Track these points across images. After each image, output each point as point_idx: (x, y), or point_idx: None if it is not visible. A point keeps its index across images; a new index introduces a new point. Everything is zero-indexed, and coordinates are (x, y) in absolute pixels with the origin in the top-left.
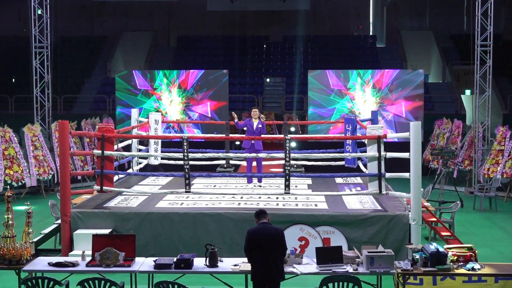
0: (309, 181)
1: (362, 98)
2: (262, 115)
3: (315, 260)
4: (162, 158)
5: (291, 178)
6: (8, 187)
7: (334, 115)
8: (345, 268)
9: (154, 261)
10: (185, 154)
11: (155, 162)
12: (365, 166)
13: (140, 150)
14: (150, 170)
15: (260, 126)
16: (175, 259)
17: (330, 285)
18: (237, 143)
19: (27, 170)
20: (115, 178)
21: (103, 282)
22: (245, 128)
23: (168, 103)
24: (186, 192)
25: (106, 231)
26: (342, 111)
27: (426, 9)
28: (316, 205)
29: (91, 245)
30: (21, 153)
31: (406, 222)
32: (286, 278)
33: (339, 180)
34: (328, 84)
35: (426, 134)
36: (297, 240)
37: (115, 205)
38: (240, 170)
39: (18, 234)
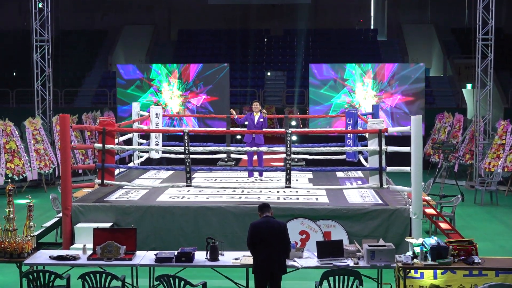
0: (310, 175)
1: (361, 89)
2: (264, 111)
3: (315, 253)
4: (163, 152)
5: (292, 172)
6: (9, 180)
7: (332, 112)
8: (345, 262)
9: (155, 254)
10: (186, 148)
11: (156, 156)
12: (366, 160)
13: (141, 144)
14: (155, 164)
15: (261, 120)
16: (176, 252)
17: (331, 278)
18: (238, 137)
19: (28, 164)
20: (116, 171)
21: (104, 275)
22: (246, 123)
23: (168, 96)
24: (187, 185)
25: (107, 225)
26: (341, 106)
27: (427, 3)
28: (317, 199)
29: (92, 238)
30: (22, 146)
31: (407, 216)
32: (287, 271)
33: (340, 174)
34: (323, 77)
35: (427, 128)
36: (298, 233)
37: (116, 199)
38: (241, 164)
39: (19, 227)
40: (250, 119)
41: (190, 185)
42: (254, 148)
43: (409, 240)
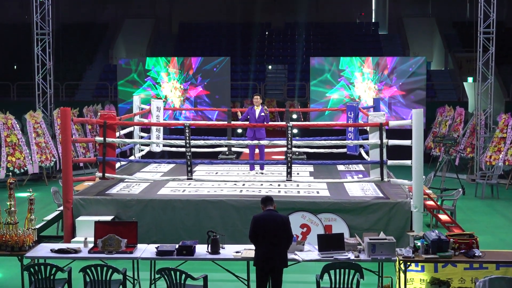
0: (311, 168)
1: (361, 79)
2: (265, 107)
3: (316, 247)
4: (164, 145)
5: (293, 165)
6: (10, 174)
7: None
8: (346, 255)
9: (156, 247)
10: (187, 141)
11: (157, 149)
12: (367, 153)
13: (142, 137)
14: (156, 157)
15: (262, 114)
16: (177, 246)
17: (332, 272)
18: (239, 131)
19: (29, 157)
20: (117, 165)
21: (105, 268)
22: (248, 117)
23: (168, 89)
24: (188, 179)
25: (108, 218)
26: (339, 102)
27: None
28: (318, 192)
29: (93, 231)
30: (23, 140)
31: (408, 209)
32: (288, 265)
33: (341, 167)
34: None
35: (428, 122)
36: (298, 227)
37: (117, 192)
38: (242, 157)
39: (21, 220)
40: (251, 113)
41: (191, 179)
42: (255, 142)
43: (410, 233)
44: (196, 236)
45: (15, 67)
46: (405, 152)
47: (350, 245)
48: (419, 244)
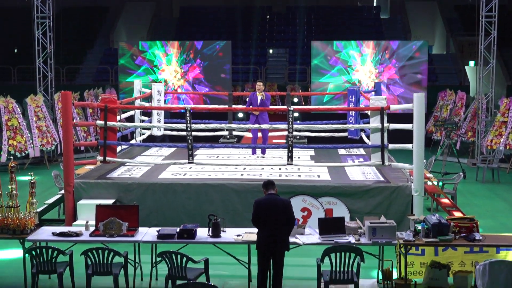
0: (312, 152)
1: (359, 62)
2: (262, 93)
3: (317, 230)
4: (165, 129)
5: (294, 149)
6: (12, 157)
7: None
8: (347, 239)
9: (157, 231)
10: (188, 125)
11: (158, 133)
12: (368, 137)
13: (143, 121)
14: (157, 141)
15: (263, 98)
16: (178, 229)
17: (332, 255)
18: (240, 115)
19: (30, 141)
20: (118, 148)
21: (106, 251)
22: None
23: (168, 72)
24: (189, 162)
25: (110, 202)
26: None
27: None
28: (318, 176)
29: (95, 215)
30: (24, 123)
31: (409, 193)
32: (289, 249)
33: (342, 151)
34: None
35: (429, 106)
36: (299, 210)
37: (118, 176)
38: (243, 141)
39: (22, 204)
40: (254, 99)
41: (192, 162)
42: (256, 126)
43: (410, 217)
44: (197, 220)
45: (15, 50)
46: (406, 136)
47: (351, 228)
48: (419, 227)
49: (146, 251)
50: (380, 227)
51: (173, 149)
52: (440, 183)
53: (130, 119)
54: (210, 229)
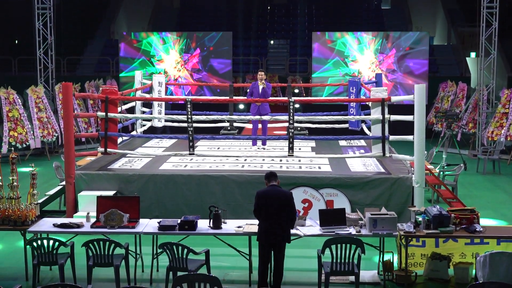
0: (312, 143)
1: (357, 48)
2: (263, 81)
3: (318, 222)
4: (165, 121)
5: (294, 140)
6: (13, 149)
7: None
8: (348, 230)
9: (158, 222)
10: (189, 116)
11: (159, 124)
12: (368, 128)
13: (143, 112)
14: (158, 132)
15: (264, 87)
16: (179, 220)
17: (333, 247)
18: (241, 106)
19: (31, 132)
20: (119, 140)
21: (107, 243)
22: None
23: (168, 63)
24: (190, 154)
25: (111, 193)
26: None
27: None
28: (319, 167)
29: (96, 206)
30: (25, 115)
31: (409, 184)
32: (290, 240)
33: (342, 142)
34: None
35: (430, 97)
36: (300, 202)
37: (119, 167)
38: (243, 133)
39: (23, 195)
40: (255, 88)
41: (193, 154)
42: (257, 117)
43: (411, 208)
44: (198, 211)
45: (16, 41)
46: (407, 128)
47: (352, 220)
48: (420, 219)
49: (147, 243)
50: (381, 218)
51: (174, 140)
52: (441, 175)
53: (131, 110)
54: (211, 220)
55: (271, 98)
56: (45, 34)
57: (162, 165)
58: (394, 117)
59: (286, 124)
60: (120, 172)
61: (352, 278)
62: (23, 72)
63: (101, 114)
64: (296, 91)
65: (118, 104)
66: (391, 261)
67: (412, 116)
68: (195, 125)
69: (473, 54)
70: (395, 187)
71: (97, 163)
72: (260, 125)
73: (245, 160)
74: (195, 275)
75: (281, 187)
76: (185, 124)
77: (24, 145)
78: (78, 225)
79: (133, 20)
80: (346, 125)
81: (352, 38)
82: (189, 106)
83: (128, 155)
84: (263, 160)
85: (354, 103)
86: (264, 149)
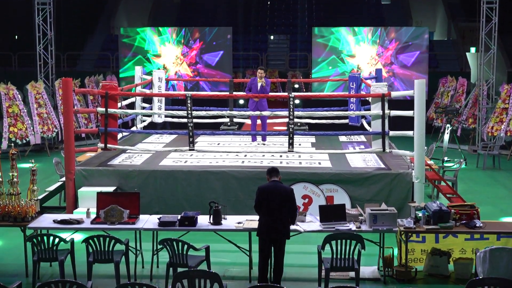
0: (312, 139)
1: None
2: (263, 79)
3: (318, 218)
4: (166, 116)
5: (294, 136)
6: (13, 144)
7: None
8: (348, 226)
9: (159, 218)
10: (189, 112)
11: (159, 120)
12: (368, 124)
13: (143, 108)
14: (158, 128)
15: (263, 85)
16: (179, 216)
17: (333, 242)
18: (241, 102)
19: (31, 128)
20: (119, 136)
21: (107, 239)
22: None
23: (167, 58)
24: (190, 150)
25: (111, 189)
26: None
27: None
28: (319, 163)
29: (96, 202)
30: (25, 110)
31: (409, 180)
32: (290, 237)
33: (342, 138)
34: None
35: (430, 92)
36: (300, 198)
37: (119, 163)
38: (244, 128)
39: (23, 191)
40: (254, 84)
41: (193, 149)
42: (257, 112)
43: (411, 204)
44: (198, 207)
45: (16, 37)
46: (407, 123)
47: (352, 216)
48: (420, 214)
49: (147, 239)
50: (381, 214)
51: (174, 136)
52: (441, 170)
53: (131, 106)
54: (211, 216)
55: (271, 93)
56: (45, 30)
57: (162, 161)
58: (394, 113)
59: (286, 120)
60: (120, 168)
61: (352, 274)
62: (23, 68)
63: (101, 109)
64: (296, 86)
65: (118, 100)
66: (391, 256)
67: (412, 111)
68: (195, 120)
69: (473, 49)
70: (395, 182)
71: (97, 159)
72: (259, 121)
73: (245, 156)
74: (195, 271)
75: (282, 182)
76: (185, 120)
77: (24, 141)
78: (78, 221)
79: (133, 15)
80: (346, 121)
81: (347, 32)
82: (189, 101)
83: (128, 151)
84: (263, 155)
85: (354, 99)
86: (264, 144)
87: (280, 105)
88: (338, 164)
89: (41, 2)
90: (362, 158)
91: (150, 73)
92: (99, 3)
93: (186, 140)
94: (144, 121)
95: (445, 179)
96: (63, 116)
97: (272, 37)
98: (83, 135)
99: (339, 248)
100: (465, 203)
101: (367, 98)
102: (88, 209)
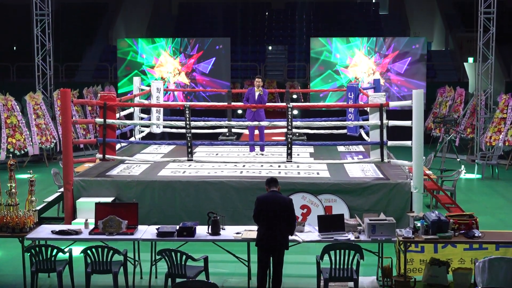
0: (311, 149)
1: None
2: (260, 88)
3: (317, 228)
4: (164, 127)
5: (293, 146)
6: (11, 155)
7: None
8: (346, 236)
9: (157, 229)
10: (187, 122)
11: (157, 130)
12: (367, 134)
13: (142, 119)
14: (157, 138)
15: (261, 94)
16: (177, 227)
17: (332, 252)
18: (239, 112)
19: (30, 139)
20: (118, 146)
21: (106, 250)
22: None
23: (165, 70)
24: (188, 160)
25: (109, 199)
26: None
27: None
28: (318, 173)
29: (94, 213)
30: (23, 121)
31: (408, 190)
32: (289, 247)
33: (341, 148)
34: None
35: (428, 102)
36: (299, 208)
37: (118, 174)
38: (242, 139)
39: (21, 202)
40: (251, 94)
41: (192, 160)
42: (256, 123)
43: (409, 214)
44: (197, 217)
45: (14, 48)
46: (405, 133)
47: (350, 226)
48: (419, 224)
49: (145, 249)
50: (380, 224)
51: (172, 146)
52: (440, 180)
53: (129, 116)
54: (210, 226)
55: (269, 103)
56: (43, 41)
57: (161, 171)
58: (392, 123)
59: (284, 130)
60: (119, 179)
61: (351, 284)
62: (21, 79)
63: (99, 120)
64: (295, 96)
65: (116, 110)
66: (390, 267)
67: (410, 121)
68: (193, 131)
69: (470, 59)
70: (394, 192)
71: (96, 170)
72: (256, 131)
73: (244, 166)
74: (194, 282)
75: (281, 193)
76: (183, 130)
77: (22, 152)
78: (77, 232)
79: (131, 26)
80: (345, 131)
81: (342, 43)
82: (187, 112)
83: (126, 162)
84: (262, 166)
85: (353, 109)
86: (262, 155)
87: (278, 115)
88: (336, 174)
89: (40, 13)
90: (360, 168)
91: (148, 85)
92: (98, 14)
93: (185, 150)
94: (142, 131)
95: (443, 189)
96: (62, 126)
97: (270, 48)
98: (82, 145)
99: (337, 258)
100: (464, 213)
101: (366, 108)
102: (86, 220)
